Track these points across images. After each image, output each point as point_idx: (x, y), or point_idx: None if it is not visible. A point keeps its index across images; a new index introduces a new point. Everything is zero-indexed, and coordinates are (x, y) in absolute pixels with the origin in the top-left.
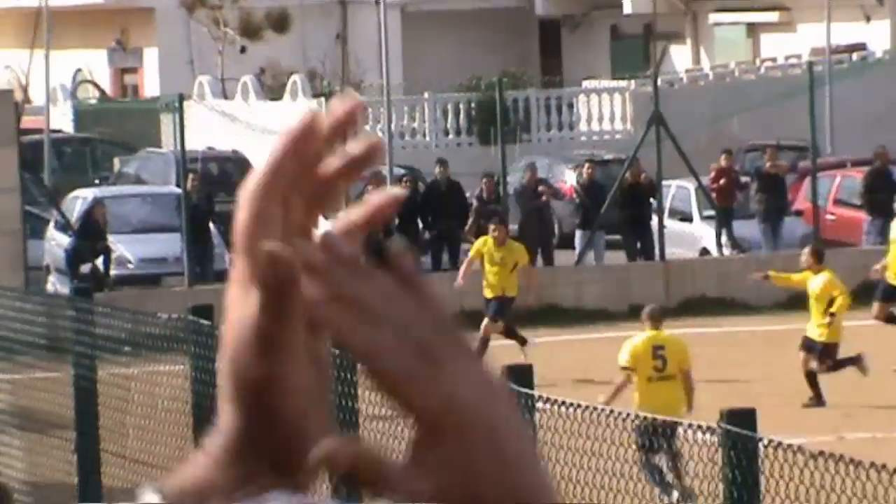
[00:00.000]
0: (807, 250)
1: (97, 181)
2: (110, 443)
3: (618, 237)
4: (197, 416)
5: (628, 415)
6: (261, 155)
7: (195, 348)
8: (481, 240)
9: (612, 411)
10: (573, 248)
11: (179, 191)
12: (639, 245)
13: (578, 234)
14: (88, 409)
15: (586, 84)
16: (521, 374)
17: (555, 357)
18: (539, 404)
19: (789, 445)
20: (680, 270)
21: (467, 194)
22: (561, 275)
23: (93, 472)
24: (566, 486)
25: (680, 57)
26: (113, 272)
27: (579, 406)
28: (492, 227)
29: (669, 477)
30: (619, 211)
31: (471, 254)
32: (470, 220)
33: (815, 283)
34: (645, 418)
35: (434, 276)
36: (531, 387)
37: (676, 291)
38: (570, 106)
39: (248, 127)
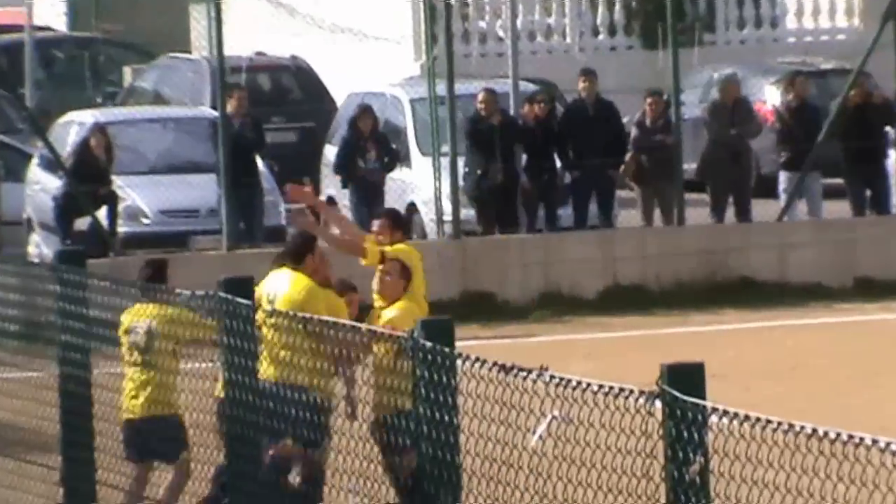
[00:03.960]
0: None
1: (99, 100)
2: (109, 471)
3: (839, 181)
4: (231, 434)
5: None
6: (330, 62)
7: (229, 338)
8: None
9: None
10: (775, 196)
11: (215, 114)
12: (868, 193)
13: (783, 176)
14: (80, 423)
15: None
16: (690, 374)
17: (746, 350)
18: (714, 419)
19: None
20: None
21: (624, 119)
22: (758, 235)
23: None
24: None
25: None
26: (121, 229)
27: (778, 425)
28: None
29: None
30: (840, 144)
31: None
32: (628, 156)
33: None
34: None
35: (577, 236)
36: (701, 393)
37: None
38: None
39: (311, 23)
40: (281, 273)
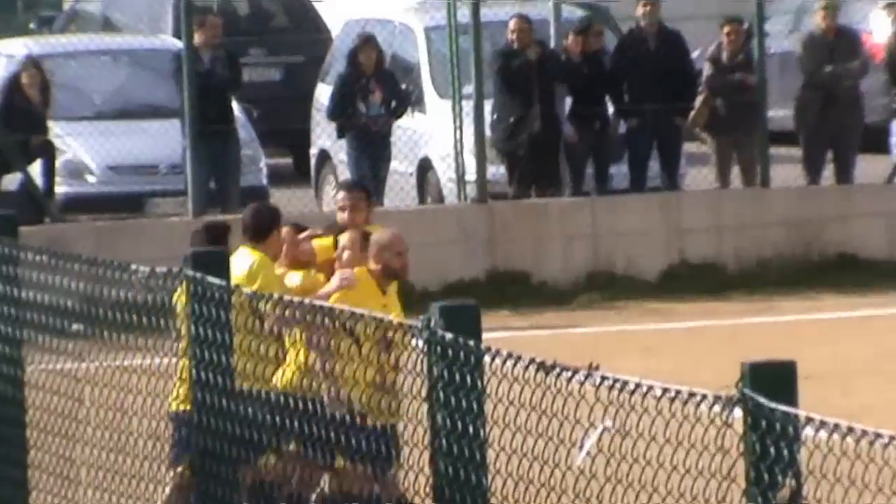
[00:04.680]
0: None
1: (33, 26)
2: (46, 493)
3: None
4: (200, 451)
5: None
6: None
7: (198, 328)
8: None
9: None
10: (885, 152)
11: (179, 45)
12: None
13: (895, 127)
14: (8, 433)
15: None
16: (778, 375)
17: (846, 345)
18: (808, 431)
19: None
20: None
21: (694, 53)
22: (862, 201)
23: None
24: None
25: None
26: (60, 189)
27: (890, 440)
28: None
29: None
30: None
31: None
32: (699, 100)
33: None
34: None
35: (634, 201)
36: (791, 398)
37: None
38: None
39: None
40: (238, 253)
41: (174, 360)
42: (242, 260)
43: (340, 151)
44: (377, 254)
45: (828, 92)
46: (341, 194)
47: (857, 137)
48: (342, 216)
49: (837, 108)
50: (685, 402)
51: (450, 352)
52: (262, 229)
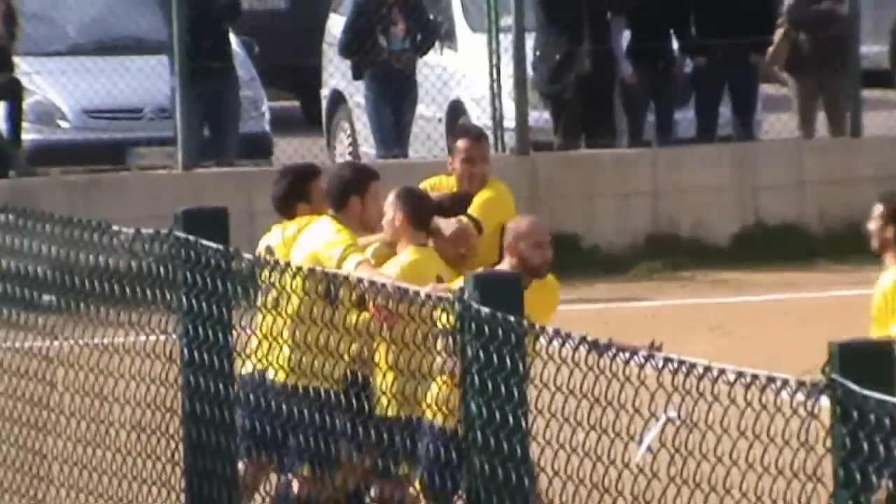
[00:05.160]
0: None
1: None
2: (12, 493)
3: None
4: (190, 439)
5: None
6: None
7: (189, 299)
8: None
9: None
10: None
11: None
12: None
13: None
14: None
15: None
16: (872, 356)
17: None
18: None
19: None
20: None
21: None
22: None
23: None
24: None
25: None
26: (28, 136)
27: None
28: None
29: None
30: None
31: None
32: (778, 33)
33: None
34: None
35: (703, 153)
36: (888, 384)
37: None
38: None
39: None
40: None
41: (162, 337)
42: (317, 230)
43: (357, 93)
44: (512, 244)
45: None
46: (464, 142)
47: None
48: (463, 168)
49: None
50: (763, 389)
51: (486, 328)
52: (343, 194)
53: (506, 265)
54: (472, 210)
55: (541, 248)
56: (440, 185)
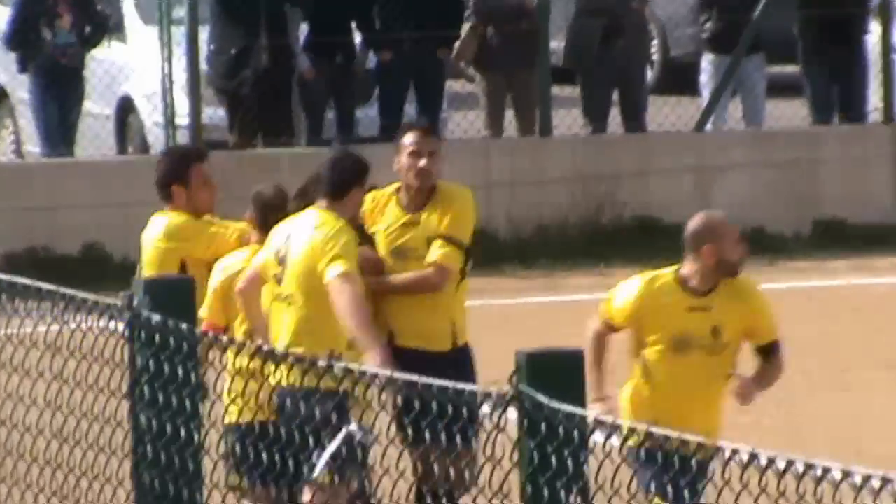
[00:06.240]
0: None
1: None
2: None
3: None
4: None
5: None
6: None
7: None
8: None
9: None
10: (693, 92)
11: None
12: None
13: None
14: None
15: None
16: None
17: None
18: (598, 436)
19: None
20: None
21: None
22: (664, 152)
23: None
24: None
25: None
26: None
27: None
28: None
29: None
30: None
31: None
32: (465, 27)
33: None
34: None
35: (390, 150)
36: (579, 396)
37: None
38: None
39: None
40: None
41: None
42: (307, 220)
43: (21, 88)
44: (717, 243)
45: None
46: (412, 136)
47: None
48: (417, 164)
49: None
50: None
51: (157, 337)
52: (343, 184)
53: (693, 267)
54: (450, 229)
55: (740, 246)
56: (378, 199)
